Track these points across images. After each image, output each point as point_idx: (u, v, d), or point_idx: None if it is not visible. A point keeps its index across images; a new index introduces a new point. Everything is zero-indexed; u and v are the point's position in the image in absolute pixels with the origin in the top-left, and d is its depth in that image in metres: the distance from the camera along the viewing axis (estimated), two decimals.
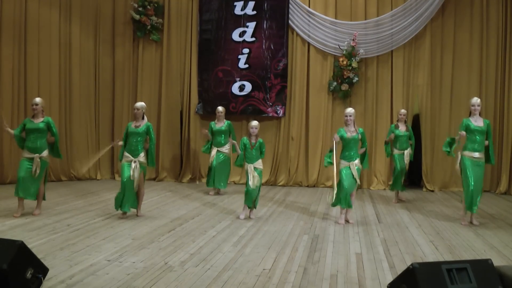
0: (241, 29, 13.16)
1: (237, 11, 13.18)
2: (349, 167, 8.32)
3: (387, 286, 4.55)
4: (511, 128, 12.14)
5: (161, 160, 13.38)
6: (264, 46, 13.10)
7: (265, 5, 13.07)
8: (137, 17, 13.10)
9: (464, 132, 8.23)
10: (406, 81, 12.72)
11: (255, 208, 8.74)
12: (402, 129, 10.46)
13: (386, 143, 10.72)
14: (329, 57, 12.92)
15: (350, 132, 8.32)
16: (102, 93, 13.52)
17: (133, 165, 8.30)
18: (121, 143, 8.52)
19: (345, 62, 12.48)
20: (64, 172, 12.79)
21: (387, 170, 12.66)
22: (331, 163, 8.41)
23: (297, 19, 12.97)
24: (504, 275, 4.25)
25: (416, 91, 12.69)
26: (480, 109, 8.36)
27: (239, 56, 13.16)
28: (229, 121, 11.21)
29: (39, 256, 5.12)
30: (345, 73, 12.50)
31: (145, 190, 8.83)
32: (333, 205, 8.51)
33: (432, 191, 12.43)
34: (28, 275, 4.58)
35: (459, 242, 7.25)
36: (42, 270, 4.81)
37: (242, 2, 13.14)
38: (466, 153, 8.27)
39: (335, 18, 12.88)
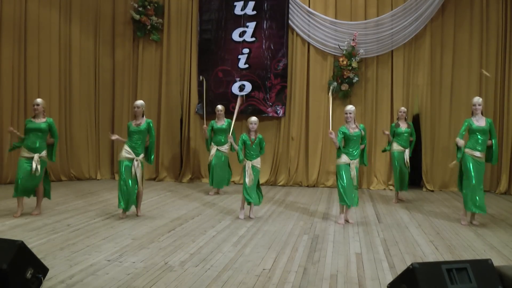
0: (241, 29, 13.16)
1: (237, 11, 13.18)
2: (349, 165, 8.31)
3: (387, 286, 4.55)
4: (511, 128, 12.14)
5: (161, 160, 13.39)
6: (264, 46, 13.10)
7: (265, 5, 13.08)
8: (137, 17, 13.10)
9: (461, 141, 8.21)
10: (406, 81, 12.72)
11: (258, 204, 8.73)
12: (403, 126, 10.46)
13: (389, 142, 10.72)
14: (329, 57, 12.93)
15: (352, 129, 8.31)
16: (102, 93, 13.53)
17: (135, 163, 8.32)
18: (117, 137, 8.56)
19: (345, 62, 12.49)
20: (64, 172, 12.79)
21: (387, 170, 12.66)
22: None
23: (297, 19, 12.98)
24: (504, 275, 4.25)
25: (416, 91, 12.69)
26: (481, 108, 8.34)
27: (239, 56, 13.16)
28: (229, 120, 11.18)
29: (39, 256, 5.13)
30: (345, 73, 12.51)
31: (145, 190, 8.84)
32: (355, 204, 8.50)
33: (432, 191, 12.43)
34: (28, 275, 4.58)
35: (459, 242, 7.25)
36: (42, 270, 4.81)
37: (242, 2, 13.15)
38: (468, 150, 8.25)
39: (335, 18, 12.89)
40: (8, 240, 4.73)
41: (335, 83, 12.20)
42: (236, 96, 13.04)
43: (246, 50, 13.15)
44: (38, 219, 8.07)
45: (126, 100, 13.49)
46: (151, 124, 8.49)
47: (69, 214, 8.57)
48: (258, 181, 8.66)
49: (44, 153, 8.35)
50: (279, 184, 13.05)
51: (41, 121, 8.33)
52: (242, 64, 13.16)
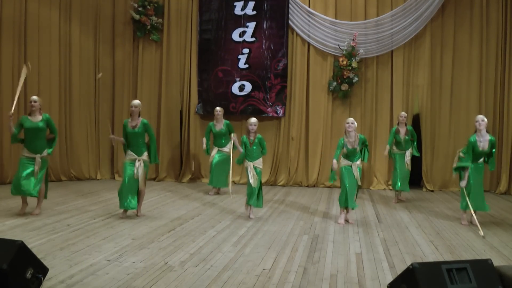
0: (241, 29, 13.16)
1: (237, 11, 13.18)
2: (351, 166, 8.34)
3: (387, 286, 4.55)
4: (511, 128, 12.14)
5: (161, 159, 13.36)
6: (264, 46, 13.10)
7: (265, 5, 13.07)
8: (137, 17, 13.10)
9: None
10: (406, 81, 12.72)
11: (260, 207, 8.75)
12: (402, 133, 10.41)
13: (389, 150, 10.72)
14: (329, 57, 12.93)
15: (351, 144, 8.30)
16: (102, 93, 13.51)
17: (137, 163, 8.33)
18: (121, 139, 8.54)
19: (345, 62, 12.48)
20: (64, 172, 12.79)
21: (387, 170, 12.66)
22: (335, 179, 8.59)
23: (297, 19, 12.98)
24: (504, 275, 4.25)
25: (416, 91, 12.69)
26: (485, 124, 8.27)
27: (239, 56, 13.16)
28: (227, 121, 11.18)
29: (39, 256, 5.13)
30: (345, 73, 12.50)
31: (145, 190, 8.81)
32: (353, 207, 8.50)
33: (432, 191, 12.43)
34: (28, 275, 4.58)
35: (459, 242, 7.25)
36: (42, 270, 4.81)
37: (242, 2, 13.14)
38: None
39: (335, 18, 12.88)
40: (8, 240, 4.73)
41: (335, 82, 12.24)
42: (236, 96, 13.08)
43: (246, 50, 13.14)
44: (38, 219, 8.07)
45: (126, 100, 13.45)
46: (147, 125, 8.47)
47: (69, 214, 8.57)
48: (261, 182, 8.66)
49: (45, 152, 8.35)
50: (279, 184, 13.04)
51: (38, 120, 8.28)
52: (242, 64, 13.15)
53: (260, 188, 8.63)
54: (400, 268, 5.60)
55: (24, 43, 12.03)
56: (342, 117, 12.08)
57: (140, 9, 13.10)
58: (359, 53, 12.50)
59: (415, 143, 10.68)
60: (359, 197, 10.93)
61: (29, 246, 4.91)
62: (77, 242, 6.72)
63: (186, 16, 13.44)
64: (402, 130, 10.45)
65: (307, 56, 13.12)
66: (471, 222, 8.45)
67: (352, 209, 8.50)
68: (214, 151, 11.03)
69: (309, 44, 13.03)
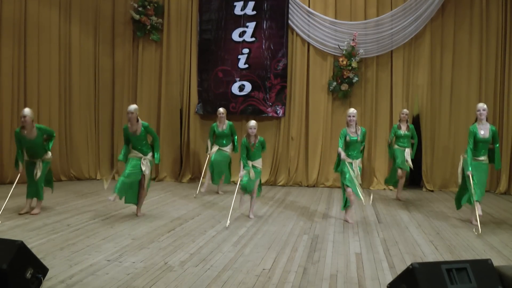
0: (241, 29, 13.15)
1: (237, 11, 13.18)
2: (352, 164, 8.36)
3: (387, 286, 4.55)
4: (511, 128, 12.15)
5: (161, 160, 13.31)
6: (264, 46, 13.09)
7: (265, 5, 13.07)
8: (137, 17, 13.09)
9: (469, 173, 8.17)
10: (406, 81, 12.72)
11: (257, 196, 8.75)
12: (403, 129, 10.49)
13: (389, 144, 10.73)
14: (329, 57, 12.92)
15: (352, 133, 8.35)
16: (102, 93, 13.51)
17: (144, 161, 8.36)
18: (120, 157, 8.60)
19: (345, 62, 12.48)
20: (64, 172, 12.79)
21: (387, 170, 12.65)
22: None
23: (297, 19, 12.97)
24: (504, 275, 4.25)
25: (416, 91, 12.69)
26: (486, 114, 8.33)
27: (239, 56, 13.16)
28: (231, 123, 11.13)
29: (39, 256, 5.13)
30: (345, 73, 12.50)
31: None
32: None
33: (432, 191, 12.43)
34: (28, 275, 4.58)
35: (459, 242, 7.25)
36: (42, 270, 4.81)
37: (242, 2, 13.14)
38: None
39: (335, 18, 12.88)
40: (8, 240, 4.73)
41: (335, 82, 12.25)
42: (236, 96, 13.08)
43: (246, 50, 13.14)
44: (37, 219, 8.07)
45: (126, 100, 13.46)
46: (148, 128, 8.47)
47: (69, 214, 8.57)
48: (260, 181, 8.67)
49: (45, 156, 8.41)
50: (279, 184, 13.04)
51: (33, 136, 8.20)
52: (242, 64, 13.15)
53: (259, 184, 8.69)
54: (400, 268, 5.60)
55: (24, 43, 12.04)
56: (342, 117, 12.08)
57: (140, 9, 13.10)
58: (359, 53, 12.50)
59: (415, 146, 10.70)
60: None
61: (29, 246, 4.92)
62: (77, 242, 6.72)
63: (186, 16, 13.44)
64: (403, 127, 10.50)
65: (307, 56, 13.11)
66: (471, 222, 8.45)
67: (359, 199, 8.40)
68: (215, 149, 10.99)
69: (309, 44, 13.03)
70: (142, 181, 8.51)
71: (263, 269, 5.70)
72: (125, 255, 6.16)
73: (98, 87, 13.49)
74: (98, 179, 13.24)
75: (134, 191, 8.50)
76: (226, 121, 11.09)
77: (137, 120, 8.37)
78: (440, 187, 12.60)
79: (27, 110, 8.23)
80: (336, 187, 12.35)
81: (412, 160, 10.69)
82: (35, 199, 8.61)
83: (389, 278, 5.28)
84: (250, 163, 8.49)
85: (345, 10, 12.92)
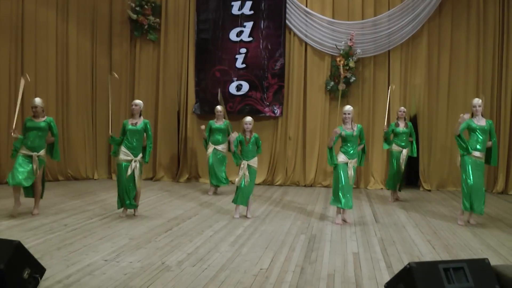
0: (238, 29, 13.15)
1: (235, 10, 13.18)
2: (347, 164, 8.32)
3: (384, 286, 4.55)
4: (508, 128, 12.17)
5: (158, 159, 13.38)
6: (261, 46, 13.10)
7: (263, 4, 13.07)
8: (134, 16, 13.08)
9: (466, 116, 8.14)
10: (403, 81, 12.73)
11: (244, 205, 8.71)
12: (401, 126, 10.49)
13: (385, 139, 10.66)
14: (326, 57, 12.93)
15: (348, 129, 8.33)
16: (99, 93, 13.48)
17: (133, 164, 8.33)
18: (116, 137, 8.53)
19: (342, 62, 12.49)
20: (61, 172, 12.78)
21: (384, 170, 12.67)
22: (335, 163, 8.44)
23: (295, 18, 12.98)
24: (501, 275, 4.26)
25: (413, 91, 12.71)
26: (481, 110, 8.35)
27: (237, 56, 13.16)
28: (228, 121, 11.22)
29: (36, 256, 5.11)
30: (342, 72, 12.51)
31: (142, 190, 8.83)
32: (350, 207, 8.44)
33: (429, 190, 12.44)
34: (25, 275, 4.57)
35: (456, 241, 7.26)
36: (39, 270, 4.80)
37: (239, 2, 13.13)
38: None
39: (333, 18, 12.89)
40: (5, 240, 4.72)
41: (332, 82, 12.27)
42: (234, 96, 13.08)
43: (243, 50, 13.15)
44: (35, 219, 8.06)
45: (123, 100, 13.46)
46: (148, 125, 8.52)
47: (66, 214, 8.56)
48: (254, 182, 8.67)
49: (42, 152, 8.36)
50: (276, 184, 13.05)
51: (40, 120, 8.34)
52: (239, 63, 13.15)
53: (252, 188, 8.65)
54: (397, 268, 5.60)
55: (21, 43, 12.03)
56: (340, 117, 12.06)
57: (137, 8, 13.09)
58: (356, 53, 12.51)
59: (414, 144, 10.71)
60: (356, 197, 10.97)
61: (26, 246, 4.90)
62: (74, 242, 6.71)
63: (183, 15, 13.44)
64: (402, 124, 10.51)
65: (304, 56, 13.12)
66: (468, 222, 8.46)
67: (342, 207, 8.42)
68: (210, 149, 11.01)
69: (306, 43, 13.04)
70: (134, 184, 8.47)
71: (261, 269, 5.70)
72: (122, 255, 6.16)
73: (96, 87, 13.48)
74: (95, 179, 13.22)
75: (131, 194, 8.47)
76: (224, 119, 11.13)
77: (140, 115, 8.51)
78: (438, 186, 12.62)
79: (38, 100, 8.43)
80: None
81: (413, 159, 10.71)
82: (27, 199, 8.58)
83: (387, 278, 5.28)
84: (245, 163, 8.48)
85: (343, 10, 12.93)
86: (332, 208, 9.58)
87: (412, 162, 11.98)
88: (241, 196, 8.50)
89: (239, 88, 13.13)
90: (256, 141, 8.57)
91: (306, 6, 12.98)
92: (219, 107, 11.20)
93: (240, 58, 13.14)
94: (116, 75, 9.63)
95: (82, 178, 13.14)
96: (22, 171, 8.11)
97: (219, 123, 11.09)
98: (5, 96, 11.79)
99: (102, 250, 6.35)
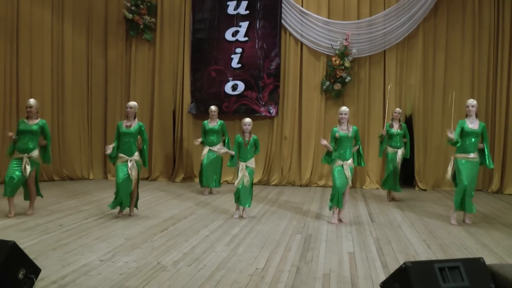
0: (234, 29, 13.15)
1: (230, 10, 13.17)
2: (342, 166, 8.33)
3: (380, 285, 4.56)
4: (503, 128, 12.21)
5: (154, 159, 13.36)
6: (257, 46, 13.10)
7: (258, 4, 13.07)
8: (130, 16, 13.06)
9: (452, 136, 8.22)
10: (398, 81, 12.75)
11: (249, 207, 8.75)
12: (395, 127, 10.51)
13: (381, 142, 10.69)
14: (322, 57, 12.94)
15: (343, 131, 8.33)
16: (95, 92, 13.48)
17: (129, 164, 8.32)
18: (112, 145, 8.46)
19: (337, 62, 12.50)
20: (57, 172, 12.74)
21: (380, 169, 12.70)
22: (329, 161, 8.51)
23: (290, 18, 12.98)
24: (496, 274, 4.27)
25: (409, 91, 12.73)
26: (475, 110, 8.39)
27: (232, 56, 13.15)
28: (222, 121, 11.21)
29: (31, 256, 5.11)
30: (337, 72, 12.52)
31: (139, 189, 8.80)
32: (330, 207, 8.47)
33: (425, 190, 12.47)
34: (20, 275, 4.56)
35: (451, 241, 7.28)
36: (34, 270, 4.79)
37: (235, 2, 13.13)
38: (460, 155, 8.31)
39: (328, 18, 12.90)
40: (0, 241, 4.71)
41: (328, 82, 12.28)
42: (229, 95, 13.08)
43: (239, 50, 13.14)
44: (30, 219, 8.04)
45: (118, 100, 13.45)
46: (142, 128, 8.51)
47: (62, 214, 8.54)
48: (252, 183, 8.68)
49: (35, 153, 8.32)
50: (272, 184, 13.04)
51: (33, 123, 8.33)
52: (235, 63, 13.15)
53: (251, 187, 8.64)
54: (393, 267, 5.61)
55: (16, 42, 11.99)
56: (335, 116, 12.08)
57: (133, 8, 13.07)
58: (351, 53, 12.52)
59: (408, 144, 10.72)
60: (352, 197, 10.99)
61: (21, 246, 4.90)
62: (69, 242, 6.70)
63: (179, 15, 13.42)
64: (396, 125, 10.53)
65: (300, 56, 13.13)
66: (463, 221, 8.49)
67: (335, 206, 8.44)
68: (205, 150, 11.02)
69: (302, 43, 13.04)
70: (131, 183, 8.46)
71: (256, 269, 5.71)
72: (118, 255, 6.15)
73: (91, 87, 13.45)
74: (90, 179, 13.19)
75: (127, 196, 8.46)
76: (218, 120, 11.13)
77: (134, 117, 8.51)
78: (433, 186, 12.65)
79: (32, 101, 8.48)
80: (329, 187, 12.36)
81: (407, 159, 10.75)
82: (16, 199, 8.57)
83: (382, 277, 5.29)
84: (243, 164, 8.48)
85: (338, 10, 12.94)
86: (328, 208, 9.58)
87: (408, 161, 11.99)
88: (241, 197, 8.49)
89: (234, 88, 13.13)
90: (255, 142, 8.57)
91: (302, 6, 12.99)
92: (213, 107, 11.19)
93: (235, 58, 13.14)
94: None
95: (78, 178, 13.11)
96: (14, 183, 8.15)
97: (213, 124, 11.08)
98: (0, 94, 11.74)
99: (98, 250, 6.34)
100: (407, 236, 7.53)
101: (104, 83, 13.59)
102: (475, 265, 4.30)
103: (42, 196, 8.76)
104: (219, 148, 11.06)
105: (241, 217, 8.63)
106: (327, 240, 7.21)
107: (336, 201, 8.28)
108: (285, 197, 11.08)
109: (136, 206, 8.75)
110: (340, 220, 8.45)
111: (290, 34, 13.08)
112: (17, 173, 8.13)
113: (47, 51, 12.51)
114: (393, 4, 12.64)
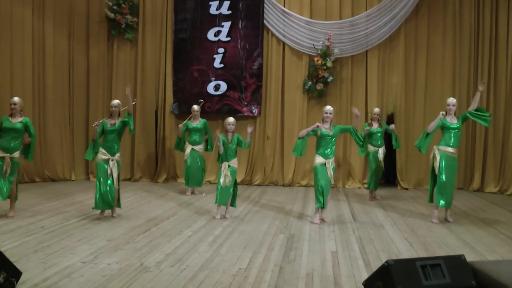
0: (216, 29, 13.13)
1: (212, 10, 13.15)
2: (325, 164, 8.36)
3: (363, 284, 4.58)
4: (484, 127, 12.31)
5: (136, 160, 13.28)
6: (239, 46, 13.09)
7: (240, 4, 13.06)
8: (111, 15, 12.97)
9: (443, 113, 8.39)
10: (380, 81, 12.84)
11: (234, 207, 8.76)
12: (375, 126, 10.58)
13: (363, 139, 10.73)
14: (304, 57, 12.97)
15: (326, 129, 8.36)
16: (77, 92, 13.35)
17: (111, 163, 8.30)
18: (102, 121, 8.51)
19: (320, 62, 12.54)
20: (38, 173, 12.60)
21: (362, 169, 12.77)
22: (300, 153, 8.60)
23: (272, 18, 12.99)
24: (477, 271, 4.32)
25: (391, 91, 12.82)
26: (455, 109, 8.53)
27: (214, 56, 13.13)
28: (205, 120, 11.20)
29: (12, 259, 5.06)
30: (320, 72, 12.56)
31: (121, 190, 8.76)
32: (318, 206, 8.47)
33: (407, 189, 12.55)
34: (1, 279, 4.52)
35: (433, 239, 7.35)
36: (15, 273, 4.74)
37: (217, 2, 13.11)
38: (441, 147, 8.42)
39: (310, 18, 12.93)
40: None
41: (310, 82, 12.30)
42: (212, 95, 13.05)
43: (221, 50, 13.13)
44: (11, 222, 7.96)
45: (101, 100, 13.34)
46: (125, 120, 8.47)
47: (43, 216, 8.47)
48: (236, 181, 8.68)
49: (17, 153, 8.26)
50: (255, 184, 13.04)
51: (17, 121, 8.27)
52: (217, 63, 13.13)
53: (235, 187, 8.65)
54: (375, 266, 5.65)
55: None
56: (318, 116, 12.12)
57: (114, 7, 12.98)
58: (334, 53, 12.56)
59: (393, 136, 10.79)
60: (335, 196, 11.03)
61: (2, 249, 4.86)
62: (51, 244, 6.64)
63: (161, 15, 13.36)
64: (375, 125, 10.61)
65: (282, 56, 13.15)
66: (445, 219, 8.56)
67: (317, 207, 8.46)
68: (188, 150, 11.00)
69: (284, 43, 13.06)
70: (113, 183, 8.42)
71: (239, 269, 5.71)
72: (100, 256, 6.11)
73: (73, 86, 13.33)
74: (72, 180, 13.08)
75: (110, 195, 8.41)
76: (200, 119, 11.12)
77: (119, 115, 8.55)
78: (415, 185, 12.75)
79: (17, 99, 8.44)
80: (312, 186, 12.38)
81: (396, 149, 10.90)
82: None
83: (365, 276, 5.32)
84: (226, 164, 8.49)
85: (320, 10, 12.99)
86: (311, 207, 9.62)
87: (390, 161, 12.08)
88: (222, 196, 8.49)
89: (217, 88, 13.11)
90: (238, 141, 8.58)
91: (284, 6, 13.00)
92: (195, 107, 11.17)
93: (218, 58, 13.13)
94: None
95: (59, 179, 12.97)
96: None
97: (196, 122, 11.07)
98: None
99: (80, 252, 6.29)
100: (390, 235, 7.58)
101: (86, 83, 13.48)
102: (456, 263, 4.34)
103: (16, 199, 8.63)
104: (200, 148, 11.04)
105: (224, 217, 8.62)
106: (310, 239, 7.23)
107: (321, 201, 8.28)
108: (268, 197, 11.09)
109: (119, 205, 8.69)
110: (322, 220, 8.48)
111: (273, 34, 13.10)
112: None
113: (28, 51, 12.36)
114: (375, 5, 12.72)
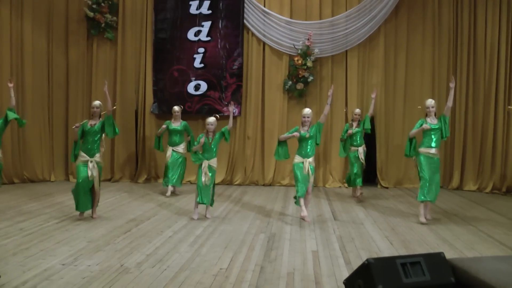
0: (196, 29, 13.10)
1: (193, 10, 13.11)
2: (303, 163, 8.41)
3: (343, 282, 4.60)
4: (463, 126, 12.48)
5: (116, 160, 13.19)
6: (219, 46, 13.08)
7: (221, 4, 13.05)
8: (91, 14, 12.87)
9: (427, 126, 8.41)
10: (360, 81, 12.92)
11: (211, 206, 8.74)
12: (354, 126, 10.65)
13: (342, 140, 10.78)
14: (285, 57, 13.00)
15: (304, 131, 8.44)
16: (56, 92, 13.21)
17: (90, 164, 8.23)
18: (82, 122, 8.49)
19: (300, 62, 12.58)
20: (17, 174, 12.43)
21: (343, 168, 12.83)
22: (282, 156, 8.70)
23: (253, 18, 13.00)
24: (456, 267, 4.36)
25: (371, 91, 12.86)
26: (435, 110, 8.60)
27: (195, 56, 13.10)
28: (185, 122, 11.14)
29: None
30: (300, 72, 12.60)
31: (101, 191, 8.70)
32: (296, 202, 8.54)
33: (387, 188, 12.64)
34: None
35: (413, 237, 7.41)
36: None
37: (197, 2, 13.08)
38: (422, 149, 8.48)
39: (290, 18, 12.97)
40: None
41: (290, 81, 12.32)
42: (192, 95, 13.02)
43: (201, 50, 13.10)
44: None
45: (80, 100, 13.23)
46: (105, 120, 8.41)
47: (22, 218, 8.36)
48: (214, 182, 8.67)
49: None
50: (235, 183, 13.04)
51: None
52: (197, 63, 13.10)
53: (213, 187, 8.64)
54: (356, 264, 5.68)
55: None
56: (298, 116, 12.14)
57: (94, 6, 12.87)
58: (314, 53, 12.61)
59: (367, 117, 10.80)
60: (315, 196, 11.07)
61: None
62: (30, 246, 6.57)
63: (141, 14, 13.28)
64: (355, 125, 10.67)
65: (262, 56, 13.16)
66: (424, 217, 8.61)
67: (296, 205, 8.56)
68: (169, 151, 10.96)
69: (264, 43, 13.08)
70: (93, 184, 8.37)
71: (220, 269, 5.70)
72: (80, 258, 6.06)
73: (52, 86, 13.19)
74: (52, 181, 12.95)
75: (88, 197, 8.36)
76: (181, 120, 11.08)
77: (100, 117, 8.50)
78: (395, 184, 12.84)
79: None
80: (292, 186, 12.42)
81: (369, 160, 10.92)
82: None
83: (345, 274, 5.35)
84: (206, 162, 8.47)
85: (301, 10, 13.03)
86: (291, 207, 9.65)
87: (370, 160, 12.15)
88: (203, 195, 8.46)
89: (197, 87, 13.08)
90: (219, 138, 8.57)
91: (264, 6, 13.02)
92: (176, 108, 11.12)
93: (198, 58, 13.10)
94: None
95: (39, 180, 12.83)
96: None
97: (176, 124, 11.02)
98: None
99: (60, 254, 6.23)
100: (370, 233, 7.63)
101: (65, 82, 13.34)
102: (436, 260, 4.38)
103: None
104: (183, 148, 11.01)
105: (204, 217, 8.60)
106: (291, 239, 7.25)
107: (301, 191, 8.32)
108: (249, 197, 11.09)
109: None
110: (303, 219, 8.50)
111: (253, 34, 13.10)
112: None
113: (6, 50, 12.20)
114: (355, 5, 12.80)
